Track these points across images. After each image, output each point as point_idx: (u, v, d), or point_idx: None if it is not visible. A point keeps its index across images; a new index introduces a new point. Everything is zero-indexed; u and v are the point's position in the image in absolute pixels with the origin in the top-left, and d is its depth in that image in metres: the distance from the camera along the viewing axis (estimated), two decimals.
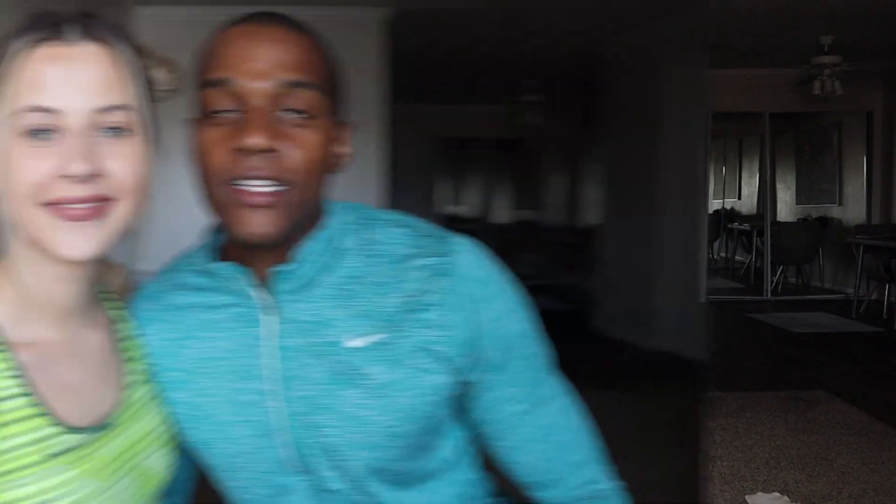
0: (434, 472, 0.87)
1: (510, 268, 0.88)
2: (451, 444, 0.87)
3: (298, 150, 0.75)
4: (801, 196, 8.77)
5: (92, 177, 0.70)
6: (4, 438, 0.69)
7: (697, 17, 4.40)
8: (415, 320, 0.80)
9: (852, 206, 8.14)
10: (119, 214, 0.73)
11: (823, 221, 8.09)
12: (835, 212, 8.27)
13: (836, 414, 3.76)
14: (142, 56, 0.79)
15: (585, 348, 4.94)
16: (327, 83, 0.78)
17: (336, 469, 0.82)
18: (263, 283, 0.82)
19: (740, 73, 7.32)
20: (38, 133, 0.70)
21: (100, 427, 0.77)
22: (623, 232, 5.52)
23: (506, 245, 8.60)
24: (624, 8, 4.55)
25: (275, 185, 0.74)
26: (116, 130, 0.73)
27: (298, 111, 0.75)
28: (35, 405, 0.72)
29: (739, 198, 9.93)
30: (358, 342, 0.80)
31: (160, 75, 0.75)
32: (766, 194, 8.53)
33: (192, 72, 0.81)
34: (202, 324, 0.86)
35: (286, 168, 0.74)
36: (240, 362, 0.83)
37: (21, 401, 0.71)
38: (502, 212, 9.69)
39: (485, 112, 8.64)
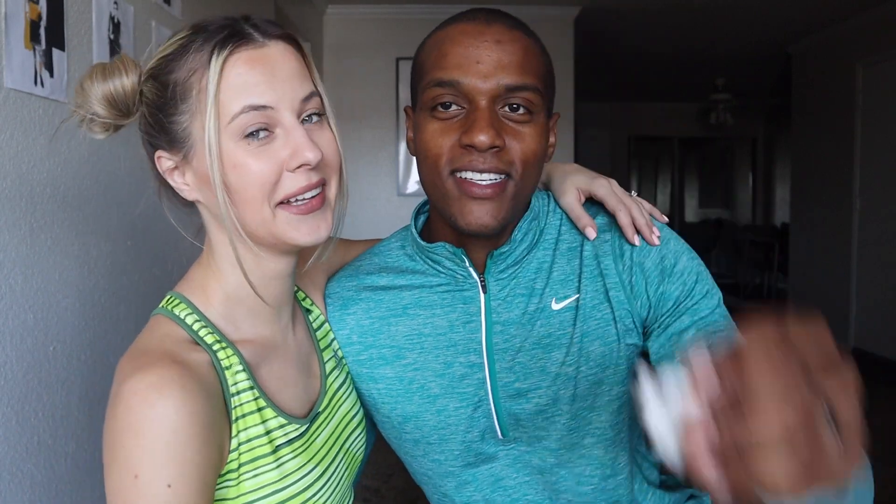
0: (632, 428, 0.82)
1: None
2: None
3: (519, 144, 0.72)
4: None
5: (318, 163, 0.66)
6: (244, 430, 0.66)
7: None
8: (594, 278, 0.79)
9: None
10: (332, 194, 0.71)
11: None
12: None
13: None
14: None
15: None
16: (544, 80, 0.75)
17: (539, 428, 0.79)
18: (476, 262, 0.80)
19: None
20: (256, 134, 0.64)
21: (312, 415, 0.74)
22: (814, 230, 5.00)
23: (694, 243, 8.45)
24: (813, 6, 4.21)
25: (496, 177, 0.72)
26: (311, 118, 0.69)
27: (520, 109, 0.72)
28: (263, 398, 0.69)
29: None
30: (563, 304, 0.78)
31: None
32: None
33: (416, 65, 0.77)
34: (413, 302, 0.82)
35: (508, 161, 0.72)
36: (453, 337, 0.80)
37: (250, 394, 0.68)
38: (691, 210, 9.08)
39: (674, 110, 8.15)
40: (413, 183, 4.35)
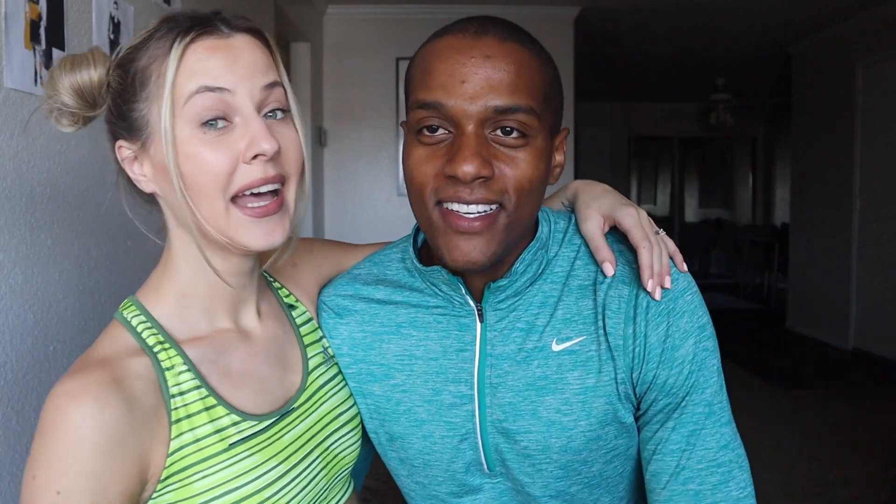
0: (622, 474, 0.78)
1: (699, 266, 0.92)
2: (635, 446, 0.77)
3: (512, 171, 0.65)
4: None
5: (276, 154, 0.64)
6: (190, 430, 0.65)
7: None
8: (602, 324, 0.72)
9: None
10: (291, 196, 0.68)
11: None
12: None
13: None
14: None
15: (776, 347, 4.95)
16: (543, 98, 0.67)
17: (524, 473, 0.75)
18: (474, 289, 0.75)
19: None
20: (212, 123, 0.62)
21: (282, 411, 0.72)
22: (814, 230, 4.98)
23: (694, 243, 6.89)
24: (813, 6, 4.19)
25: (486, 208, 0.66)
26: (275, 113, 0.66)
27: (513, 133, 0.65)
28: (212, 396, 0.67)
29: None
30: (564, 345, 0.72)
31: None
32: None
33: (406, 80, 0.72)
34: (408, 321, 0.78)
35: (499, 190, 0.65)
36: (445, 364, 0.75)
37: (196, 393, 0.66)
38: (691, 210, 8.96)
39: (674, 110, 8.10)
40: None
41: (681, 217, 8.93)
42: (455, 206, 0.66)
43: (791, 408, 3.62)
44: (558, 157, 0.73)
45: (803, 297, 5.41)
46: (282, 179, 0.67)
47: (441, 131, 0.66)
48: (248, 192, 0.65)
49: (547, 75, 0.69)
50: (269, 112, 0.67)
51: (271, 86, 0.66)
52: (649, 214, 0.81)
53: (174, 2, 1.84)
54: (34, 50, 1.21)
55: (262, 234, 0.66)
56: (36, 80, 1.21)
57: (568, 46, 4.27)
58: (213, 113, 0.63)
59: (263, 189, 0.65)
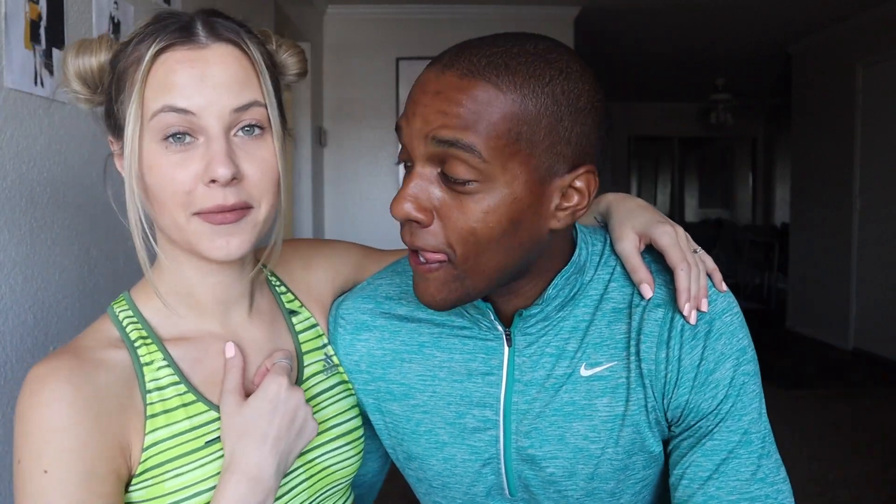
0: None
1: None
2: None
3: (458, 219, 0.60)
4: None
5: (235, 180, 0.63)
6: (166, 426, 0.64)
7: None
8: (636, 349, 0.69)
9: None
10: (260, 216, 0.66)
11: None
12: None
13: None
14: (269, 42, 0.71)
15: (776, 347, 4.91)
16: (503, 140, 0.58)
17: (550, 499, 0.73)
18: (501, 313, 0.72)
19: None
20: (178, 138, 0.62)
21: None
22: (814, 230, 4.97)
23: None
24: (813, 6, 4.18)
25: (437, 255, 0.61)
26: (251, 129, 0.64)
27: (457, 178, 0.59)
28: (191, 392, 0.66)
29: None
30: (593, 371, 0.70)
31: (289, 60, 0.72)
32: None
33: None
34: (431, 341, 0.75)
35: (443, 241, 0.61)
36: (469, 387, 0.73)
37: (173, 389, 0.66)
38: (691, 210, 8.93)
39: (674, 110, 8.09)
40: None
41: (681, 217, 8.95)
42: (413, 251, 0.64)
43: (791, 408, 3.62)
44: (567, 200, 0.63)
45: (803, 297, 5.41)
46: (244, 206, 0.64)
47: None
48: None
49: (521, 112, 0.59)
50: (246, 127, 0.65)
51: (245, 108, 0.64)
52: None
53: (174, 2, 1.84)
54: (34, 50, 1.21)
55: (220, 244, 0.64)
56: (36, 80, 1.22)
57: (568, 46, 4.29)
58: (177, 129, 0.62)
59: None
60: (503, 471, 0.74)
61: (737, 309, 0.72)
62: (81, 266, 1.37)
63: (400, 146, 0.63)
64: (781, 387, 3.98)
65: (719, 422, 0.68)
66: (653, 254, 0.75)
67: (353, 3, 4.16)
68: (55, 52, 1.28)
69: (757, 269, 7.34)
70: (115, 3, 1.52)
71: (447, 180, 0.60)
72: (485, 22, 4.05)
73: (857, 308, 4.75)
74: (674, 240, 0.73)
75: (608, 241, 0.76)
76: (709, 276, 0.73)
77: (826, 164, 5.04)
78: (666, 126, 8.35)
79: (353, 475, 0.79)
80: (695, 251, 0.74)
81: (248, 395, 0.68)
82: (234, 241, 0.65)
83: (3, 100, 1.14)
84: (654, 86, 7.13)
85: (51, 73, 1.26)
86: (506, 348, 0.72)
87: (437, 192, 0.61)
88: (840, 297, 4.87)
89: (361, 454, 0.79)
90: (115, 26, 1.51)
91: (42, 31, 1.24)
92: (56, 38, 1.28)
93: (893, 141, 4.34)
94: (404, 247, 0.66)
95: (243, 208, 0.64)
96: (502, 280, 0.65)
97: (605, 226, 0.79)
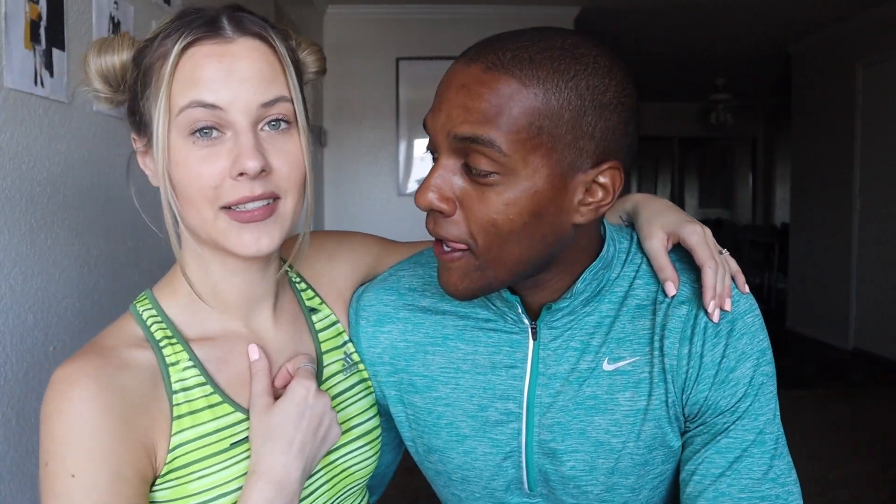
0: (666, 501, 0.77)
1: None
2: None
3: (480, 210, 0.61)
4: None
5: (264, 173, 0.62)
6: (192, 427, 0.64)
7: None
8: (659, 345, 0.70)
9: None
10: (288, 209, 0.66)
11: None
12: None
13: None
14: (291, 39, 0.71)
15: (776, 347, 5.09)
16: (524, 134, 0.58)
17: (569, 494, 0.74)
18: (529, 307, 0.72)
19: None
20: (205, 133, 0.61)
21: None
22: (814, 230, 4.96)
23: None
24: (813, 6, 4.18)
25: (459, 244, 0.63)
26: (278, 124, 0.64)
27: (479, 170, 0.60)
28: (217, 394, 0.66)
29: None
30: (616, 365, 0.71)
31: (308, 58, 0.72)
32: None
33: None
34: (455, 334, 0.76)
35: (465, 231, 0.62)
36: (493, 380, 0.73)
37: (200, 390, 0.65)
38: (691, 210, 8.75)
39: (674, 110, 8.07)
40: (413, 183, 4.35)
41: None
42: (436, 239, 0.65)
43: (791, 408, 3.58)
44: (591, 196, 0.63)
45: (803, 297, 5.41)
46: (273, 196, 0.64)
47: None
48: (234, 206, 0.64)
49: (539, 105, 0.59)
50: (272, 122, 0.65)
51: (272, 103, 0.64)
52: None
53: (174, 2, 1.84)
54: (34, 50, 1.21)
55: (248, 241, 0.64)
56: (36, 80, 1.22)
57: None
58: (204, 124, 0.62)
59: (250, 206, 0.64)
60: (524, 464, 0.74)
61: (758, 311, 0.73)
62: (81, 266, 1.38)
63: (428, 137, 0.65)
64: (781, 387, 3.84)
65: (736, 420, 0.69)
66: (678, 253, 0.76)
67: (353, 3, 4.17)
68: (55, 52, 1.28)
69: (757, 269, 7.34)
70: (115, 3, 1.52)
71: (470, 172, 0.61)
72: (485, 22, 4.05)
73: (857, 308, 4.75)
74: (702, 239, 0.74)
75: (634, 239, 0.77)
76: (732, 277, 0.74)
77: (826, 164, 5.04)
78: (666, 126, 8.35)
79: (370, 475, 0.79)
80: (720, 252, 0.75)
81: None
82: (263, 238, 0.64)
83: (3, 100, 1.14)
84: (653, 86, 7.13)
85: (51, 73, 1.26)
86: (530, 341, 0.73)
87: (460, 183, 0.62)
88: (840, 297, 4.87)
89: (379, 453, 0.80)
90: (115, 26, 1.51)
91: (42, 31, 1.24)
92: (56, 38, 1.28)
93: (893, 141, 4.34)
94: (418, 240, 0.67)
95: (270, 198, 0.64)
96: (525, 272, 0.66)
97: (630, 224, 0.80)
